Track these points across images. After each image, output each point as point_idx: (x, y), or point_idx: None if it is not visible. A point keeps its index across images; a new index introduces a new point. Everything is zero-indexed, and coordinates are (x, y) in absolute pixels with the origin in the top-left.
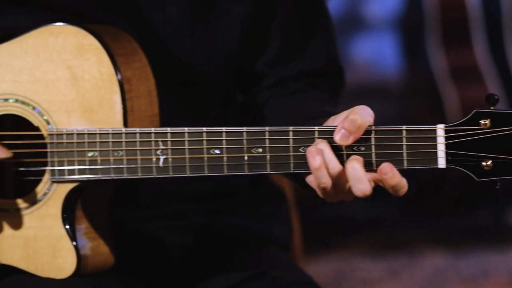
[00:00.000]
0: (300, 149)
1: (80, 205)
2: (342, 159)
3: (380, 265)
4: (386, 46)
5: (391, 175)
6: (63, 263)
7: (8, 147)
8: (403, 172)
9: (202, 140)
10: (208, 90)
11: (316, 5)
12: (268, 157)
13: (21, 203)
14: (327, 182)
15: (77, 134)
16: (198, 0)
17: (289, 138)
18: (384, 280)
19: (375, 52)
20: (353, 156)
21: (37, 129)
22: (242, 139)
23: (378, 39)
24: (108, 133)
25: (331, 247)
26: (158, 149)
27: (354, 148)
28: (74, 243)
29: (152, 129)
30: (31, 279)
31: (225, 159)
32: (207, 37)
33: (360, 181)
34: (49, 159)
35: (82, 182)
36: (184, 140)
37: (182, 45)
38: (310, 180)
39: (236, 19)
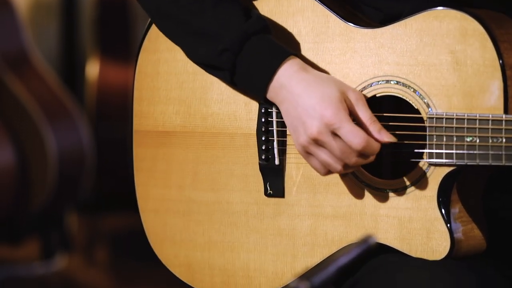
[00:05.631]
0: None
1: (455, 189)
2: None
3: None
4: None
5: None
6: (436, 246)
7: (388, 128)
8: None
9: None
10: None
11: None
12: None
13: (397, 184)
14: None
15: (457, 118)
16: None
17: None
18: None
19: None
20: None
21: (416, 111)
22: None
23: None
24: (488, 119)
25: None
26: None
27: None
28: (449, 225)
29: None
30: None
31: None
32: None
33: None
34: (427, 142)
35: (459, 167)
36: None
37: None
38: None
39: None
